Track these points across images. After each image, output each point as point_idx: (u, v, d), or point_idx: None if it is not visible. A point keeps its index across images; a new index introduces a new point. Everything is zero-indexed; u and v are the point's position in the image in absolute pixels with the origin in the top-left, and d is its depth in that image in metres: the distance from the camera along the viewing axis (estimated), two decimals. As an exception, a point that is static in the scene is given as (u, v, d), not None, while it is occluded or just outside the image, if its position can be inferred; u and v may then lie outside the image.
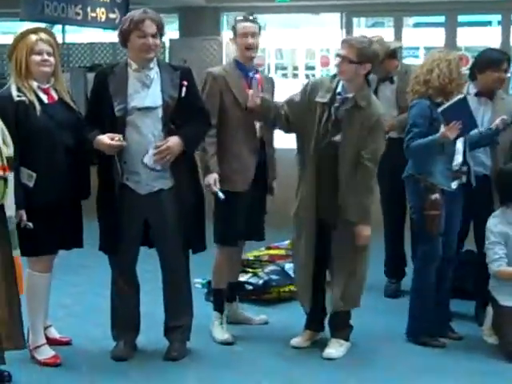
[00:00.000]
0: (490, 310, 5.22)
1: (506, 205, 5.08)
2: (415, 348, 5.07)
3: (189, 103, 4.64)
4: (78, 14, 8.26)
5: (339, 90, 4.76)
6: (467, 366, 4.79)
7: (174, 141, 4.56)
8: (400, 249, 6.18)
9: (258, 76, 5.05)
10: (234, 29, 5.07)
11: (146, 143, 4.60)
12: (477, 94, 5.31)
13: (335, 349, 4.92)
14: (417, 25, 15.05)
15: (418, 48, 13.67)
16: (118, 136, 4.51)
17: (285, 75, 19.29)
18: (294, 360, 4.86)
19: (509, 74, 5.40)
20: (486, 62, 5.27)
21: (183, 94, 4.63)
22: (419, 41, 13.78)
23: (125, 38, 4.63)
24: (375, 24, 14.78)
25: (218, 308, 5.17)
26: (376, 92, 5.79)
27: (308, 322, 5.10)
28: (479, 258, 5.35)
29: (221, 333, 5.08)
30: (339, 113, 4.74)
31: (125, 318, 4.89)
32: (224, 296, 5.20)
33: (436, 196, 4.87)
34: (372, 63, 4.69)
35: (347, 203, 4.71)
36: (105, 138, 4.51)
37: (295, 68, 19.80)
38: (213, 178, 4.92)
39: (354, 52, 4.64)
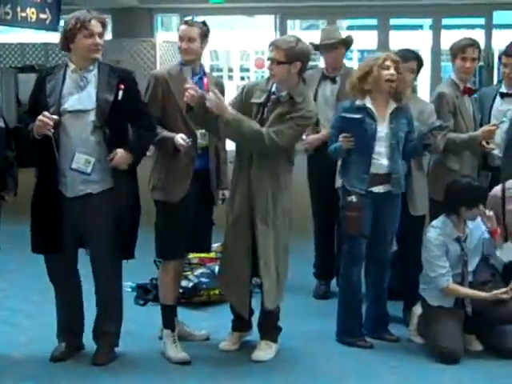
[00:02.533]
0: (415, 310, 5.28)
1: (448, 215, 5.09)
2: (344, 349, 5.10)
3: (127, 107, 4.58)
4: (7, 13, 8.12)
5: (273, 89, 4.77)
6: (394, 366, 4.84)
7: (122, 155, 4.53)
8: (330, 249, 6.22)
9: (205, 80, 4.94)
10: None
11: (73, 146, 4.55)
12: None
13: (264, 351, 4.93)
14: (350, 28, 15.19)
15: (351, 51, 13.75)
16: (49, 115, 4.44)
17: (220, 77, 19.28)
18: (223, 363, 4.85)
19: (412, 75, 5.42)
20: None
21: (119, 98, 4.57)
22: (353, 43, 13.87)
23: (70, 38, 4.58)
24: (310, 26, 14.85)
25: (169, 325, 4.96)
26: (316, 89, 5.94)
27: (235, 324, 5.10)
28: (404, 259, 5.47)
29: (175, 351, 4.88)
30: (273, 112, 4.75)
31: (66, 320, 4.86)
32: (174, 312, 5.05)
33: (352, 198, 4.94)
34: (302, 61, 4.70)
35: None
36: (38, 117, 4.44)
37: (230, 70, 19.87)
38: None
39: (281, 53, 4.66)
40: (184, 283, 5.79)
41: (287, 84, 4.74)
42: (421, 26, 13.32)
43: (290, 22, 10.88)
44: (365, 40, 12.30)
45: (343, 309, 5.17)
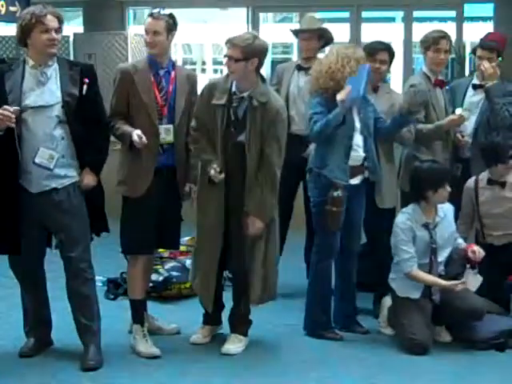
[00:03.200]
0: (384, 301, 5.29)
1: (417, 202, 5.11)
2: (314, 342, 5.11)
3: (90, 102, 4.57)
4: (-24, 6, 8.06)
5: (234, 89, 4.79)
6: (363, 358, 4.86)
7: (88, 177, 4.62)
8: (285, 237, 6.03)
9: (172, 74, 4.90)
10: None
11: (36, 141, 4.51)
12: None
13: (234, 344, 4.93)
14: (322, 20, 15.18)
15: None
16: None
17: (194, 70, 19.24)
18: (193, 357, 4.84)
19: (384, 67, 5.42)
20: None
21: (84, 92, 4.55)
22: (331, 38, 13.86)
23: (26, 33, 4.51)
24: (284, 19, 14.81)
25: (138, 320, 4.95)
26: (289, 80, 5.93)
27: (206, 318, 5.10)
28: (373, 251, 5.51)
29: (145, 346, 4.86)
30: (239, 112, 4.78)
31: (34, 316, 4.84)
32: (143, 307, 5.04)
33: (338, 193, 4.91)
34: (258, 57, 4.72)
35: (249, 196, 4.75)
36: None
37: (204, 63, 19.84)
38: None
39: (238, 50, 4.67)
40: (154, 277, 5.77)
41: (247, 82, 4.77)
42: (393, 19, 13.33)
43: (262, 15, 10.88)
44: (337, 33, 12.35)
45: (314, 301, 5.17)
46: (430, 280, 5.03)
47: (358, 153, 5.04)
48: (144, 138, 4.67)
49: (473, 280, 5.07)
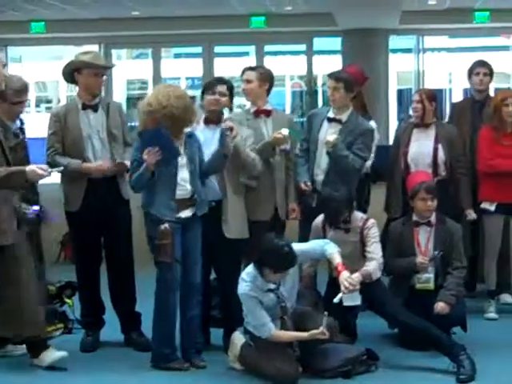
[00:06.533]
0: (234, 337, 5.22)
1: (257, 269, 4.99)
2: (160, 374, 5.04)
3: None
4: None
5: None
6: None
7: None
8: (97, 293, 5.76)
9: None
10: None
11: None
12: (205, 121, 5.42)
13: None
14: (177, 55, 15.22)
15: (179, 78, 13.75)
16: None
17: (49, 108, 18.91)
18: None
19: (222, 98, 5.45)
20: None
21: None
22: (180, 71, 13.91)
23: None
24: (140, 55, 14.77)
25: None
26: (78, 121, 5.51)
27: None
28: (222, 285, 5.46)
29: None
30: None
31: None
32: None
33: (165, 226, 4.97)
34: None
35: None
36: None
37: (59, 100, 19.54)
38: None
39: None
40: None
41: None
42: (247, 53, 13.52)
43: (116, 52, 10.84)
44: (191, 67, 12.42)
45: (157, 334, 5.15)
46: (292, 336, 5.02)
47: (184, 187, 5.09)
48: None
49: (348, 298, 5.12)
